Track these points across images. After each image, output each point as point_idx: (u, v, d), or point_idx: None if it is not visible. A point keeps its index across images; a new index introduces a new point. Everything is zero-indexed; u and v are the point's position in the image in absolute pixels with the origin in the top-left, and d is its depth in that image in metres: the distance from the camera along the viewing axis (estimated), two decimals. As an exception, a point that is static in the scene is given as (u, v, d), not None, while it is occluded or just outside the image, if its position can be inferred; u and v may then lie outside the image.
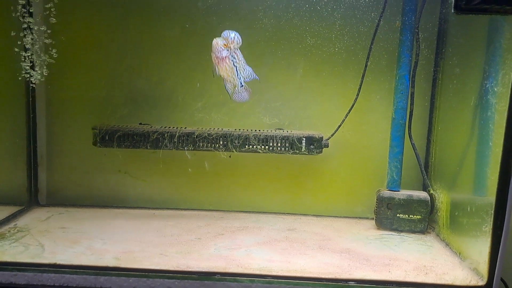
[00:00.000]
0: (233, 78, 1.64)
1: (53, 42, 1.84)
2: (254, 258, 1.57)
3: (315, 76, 1.95)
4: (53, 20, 1.81)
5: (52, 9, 1.83)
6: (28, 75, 1.84)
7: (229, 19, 1.84)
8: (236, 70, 1.63)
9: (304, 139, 1.90)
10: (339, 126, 1.93)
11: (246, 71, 1.64)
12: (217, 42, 1.60)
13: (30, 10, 1.84)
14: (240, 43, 1.61)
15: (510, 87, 1.28)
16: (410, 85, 1.83)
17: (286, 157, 1.96)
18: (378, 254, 1.64)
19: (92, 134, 1.92)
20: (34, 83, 1.86)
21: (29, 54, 1.85)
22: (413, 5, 1.77)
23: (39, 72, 1.84)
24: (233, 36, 1.60)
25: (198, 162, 2.01)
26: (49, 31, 1.84)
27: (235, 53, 1.62)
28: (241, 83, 1.65)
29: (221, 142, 1.91)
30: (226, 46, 1.60)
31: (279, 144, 1.91)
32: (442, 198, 1.82)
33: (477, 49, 1.58)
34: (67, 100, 2.02)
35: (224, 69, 1.62)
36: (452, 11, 1.24)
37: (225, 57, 1.61)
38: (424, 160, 1.98)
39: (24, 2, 1.82)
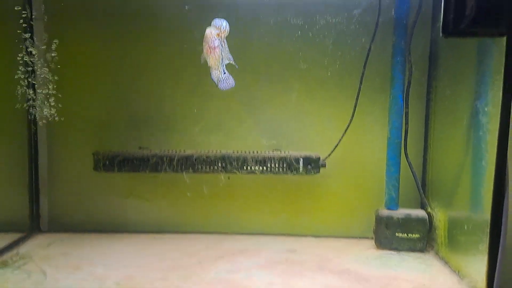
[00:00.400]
0: (218, 66, 1.65)
1: (53, 69, 1.90)
2: (255, 281, 1.57)
3: (311, 98, 1.99)
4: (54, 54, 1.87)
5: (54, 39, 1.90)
6: (33, 109, 1.90)
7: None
8: (222, 58, 1.65)
9: (301, 159, 1.93)
10: (336, 146, 1.95)
11: (228, 59, 1.66)
12: (211, 32, 1.60)
13: (33, 37, 1.90)
14: (229, 32, 1.63)
15: (500, 107, 1.30)
16: (404, 104, 1.86)
17: (284, 178, 1.98)
18: (377, 274, 1.64)
19: (93, 160, 1.95)
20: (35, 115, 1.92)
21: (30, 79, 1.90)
22: (404, 29, 1.81)
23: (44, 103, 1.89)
24: (224, 25, 1.61)
25: (197, 184, 2.03)
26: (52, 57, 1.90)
27: (223, 41, 1.63)
28: (224, 70, 1.67)
29: (219, 164, 1.93)
30: (219, 35, 1.61)
31: (277, 165, 1.93)
32: (440, 216, 1.83)
33: (468, 70, 1.61)
34: (68, 126, 2.04)
35: (214, 58, 1.63)
36: (441, 35, 1.27)
37: (217, 46, 1.62)
38: (421, 178, 1.99)
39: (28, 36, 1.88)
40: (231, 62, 1.66)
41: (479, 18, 1.21)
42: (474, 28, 1.22)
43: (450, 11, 1.21)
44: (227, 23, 1.61)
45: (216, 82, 1.67)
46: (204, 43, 1.61)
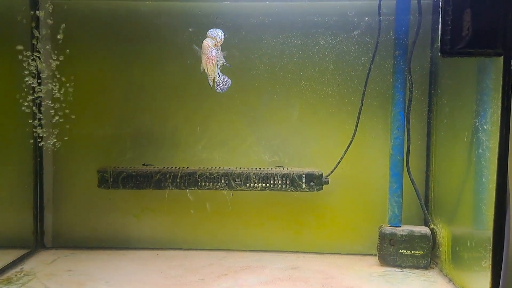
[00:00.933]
0: (214, 71, 1.69)
1: (59, 87, 1.97)
2: (257, 298, 1.59)
3: (312, 115, 2.02)
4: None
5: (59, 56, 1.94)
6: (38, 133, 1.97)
7: (226, 65, 1.94)
8: (217, 63, 1.69)
9: (304, 176, 1.94)
10: (338, 163, 1.97)
11: (222, 62, 1.70)
12: (208, 44, 1.65)
13: (39, 55, 1.95)
14: (223, 40, 1.67)
15: (499, 125, 1.32)
16: (405, 122, 1.88)
17: (287, 195, 1.99)
18: (381, 292, 1.64)
19: (97, 177, 1.98)
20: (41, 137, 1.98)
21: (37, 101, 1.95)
22: (403, 49, 1.84)
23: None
24: (220, 34, 1.66)
25: (200, 201, 2.05)
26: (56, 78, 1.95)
27: (219, 48, 1.67)
28: (218, 73, 1.70)
29: (222, 181, 1.95)
30: (215, 45, 1.65)
31: (279, 182, 1.95)
32: (443, 233, 1.83)
33: (467, 88, 1.64)
34: (72, 143, 2.07)
35: (212, 66, 1.67)
36: (439, 54, 1.29)
37: (214, 56, 1.66)
38: (424, 195, 2.00)
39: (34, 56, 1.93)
40: (224, 63, 1.70)
41: (475, 39, 1.24)
42: (470, 48, 1.25)
43: (447, 32, 1.24)
44: (222, 33, 1.67)
45: (211, 86, 1.71)
46: (202, 54, 1.67)
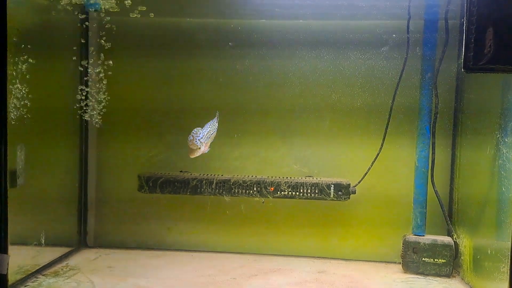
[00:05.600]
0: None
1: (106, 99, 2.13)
2: (287, 297, 1.68)
3: (341, 127, 2.12)
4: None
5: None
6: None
7: (262, 79, 2.07)
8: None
9: (332, 186, 2.03)
10: (366, 174, 2.05)
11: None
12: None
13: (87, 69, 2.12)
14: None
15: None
16: (431, 135, 1.97)
17: (316, 203, 2.09)
18: (404, 296, 1.72)
19: (138, 182, 2.11)
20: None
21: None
22: (431, 65, 1.94)
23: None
24: (204, 133, 1.79)
25: (233, 207, 2.16)
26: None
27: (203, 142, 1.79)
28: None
29: (255, 189, 2.06)
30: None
31: (309, 191, 2.04)
32: (466, 243, 1.89)
33: (491, 102, 1.71)
34: (115, 150, 2.23)
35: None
36: (462, 70, 1.39)
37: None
38: (448, 206, 2.07)
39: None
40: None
41: (497, 56, 1.33)
42: (492, 64, 1.34)
43: (470, 49, 1.33)
44: (201, 131, 1.80)
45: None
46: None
